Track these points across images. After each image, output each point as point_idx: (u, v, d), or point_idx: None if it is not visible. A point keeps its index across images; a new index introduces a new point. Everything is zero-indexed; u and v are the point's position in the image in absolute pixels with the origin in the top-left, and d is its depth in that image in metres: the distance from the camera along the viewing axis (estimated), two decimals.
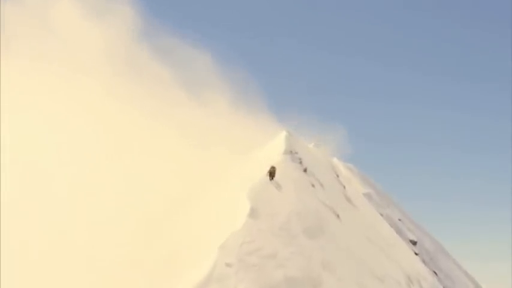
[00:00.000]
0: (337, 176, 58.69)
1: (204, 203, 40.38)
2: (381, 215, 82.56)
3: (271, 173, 39.74)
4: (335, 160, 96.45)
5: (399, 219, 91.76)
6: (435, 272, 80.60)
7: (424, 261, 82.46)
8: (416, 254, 77.43)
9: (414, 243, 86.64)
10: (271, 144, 50.21)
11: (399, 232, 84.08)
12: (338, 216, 43.79)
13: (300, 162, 46.69)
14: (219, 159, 52.39)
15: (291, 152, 46.83)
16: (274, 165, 40.67)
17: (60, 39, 69.14)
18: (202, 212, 38.20)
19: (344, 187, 55.54)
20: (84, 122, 62.73)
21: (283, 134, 50.51)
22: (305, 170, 46.18)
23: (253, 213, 32.07)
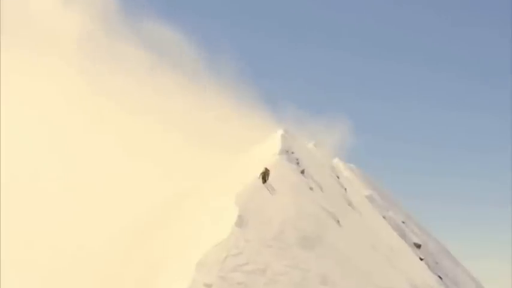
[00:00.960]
0: (338, 177, 54.45)
1: (191, 210, 36.28)
2: (384, 217, 78.52)
3: (264, 175, 35.53)
4: (336, 160, 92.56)
5: (403, 222, 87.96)
6: (440, 277, 77.27)
7: (429, 266, 78.83)
8: (421, 259, 73.58)
9: (418, 246, 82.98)
10: (266, 143, 46.05)
11: (403, 235, 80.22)
12: (338, 222, 39.63)
13: (297, 163, 42.56)
14: (210, 160, 48.50)
15: (287, 152, 42.70)
16: (268, 167, 36.56)
17: (38, 25, 65.86)
18: (188, 221, 34.04)
19: (345, 190, 51.39)
20: (72, 119, 59.57)
21: (279, 133, 46.30)
22: (302, 172, 42.03)
23: (241, 222, 27.88)
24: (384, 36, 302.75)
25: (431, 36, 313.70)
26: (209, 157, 50.50)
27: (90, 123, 59.10)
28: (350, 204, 48.18)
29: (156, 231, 35.81)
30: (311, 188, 40.41)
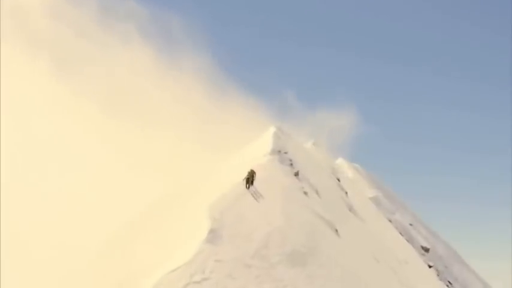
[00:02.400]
0: (339, 180, 48.87)
1: (164, 223, 30.95)
2: (390, 221, 73.36)
3: (248, 179, 30.31)
4: (340, 160, 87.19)
5: (410, 224, 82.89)
6: (450, 282, 73.14)
7: (438, 271, 74.17)
8: (430, 266, 68.59)
9: (427, 249, 78.40)
10: (257, 142, 40.68)
11: (410, 239, 75.06)
12: (336, 231, 34.28)
13: (291, 165, 37.17)
14: (199, 161, 43.32)
15: (279, 152, 37.31)
16: (255, 169, 31.30)
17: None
18: (156, 237, 28.69)
19: (346, 193, 45.84)
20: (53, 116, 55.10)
21: (271, 130, 40.85)
22: (296, 174, 36.64)
23: (213, 237, 22.58)
24: (388, 36, 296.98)
25: (437, 35, 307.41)
26: (199, 158, 45.41)
27: (73, 123, 54.53)
28: (351, 209, 42.78)
29: (125, 246, 30.71)
30: (305, 193, 35.05)
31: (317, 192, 37.58)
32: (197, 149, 45.43)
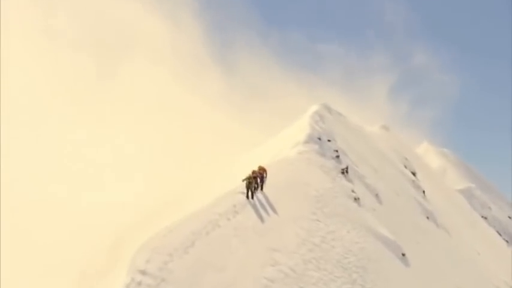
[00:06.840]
0: (414, 174, 35.11)
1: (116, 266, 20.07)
2: (485, 218, 59.47)
3: (251, 184, 18.12)
4: (424, 145, 73.67)
5: (509, 217, 69.35)
6: None
7: None
8: None
9: None
10: (293, 126, 28.25)
11: (510, 239, 61.48)
12: (404, 256, 21.63)
13: (337, 157, 24.62)
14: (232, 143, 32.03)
15: (319, 140, 24.84)
16: (268, 167, 19.28)
17: None
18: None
19: (423, 192, 32.34)
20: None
21: (311, 110, 28.27)
22: (345, 171, 24.10)
23: None
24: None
25: None
26: (236, 139, 34.08)
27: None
28: (430, 216, 29.43)
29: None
30: (356, 199, 22.46)
31: (377, 197, 24.87)
32: (235, 128, 34.27)
